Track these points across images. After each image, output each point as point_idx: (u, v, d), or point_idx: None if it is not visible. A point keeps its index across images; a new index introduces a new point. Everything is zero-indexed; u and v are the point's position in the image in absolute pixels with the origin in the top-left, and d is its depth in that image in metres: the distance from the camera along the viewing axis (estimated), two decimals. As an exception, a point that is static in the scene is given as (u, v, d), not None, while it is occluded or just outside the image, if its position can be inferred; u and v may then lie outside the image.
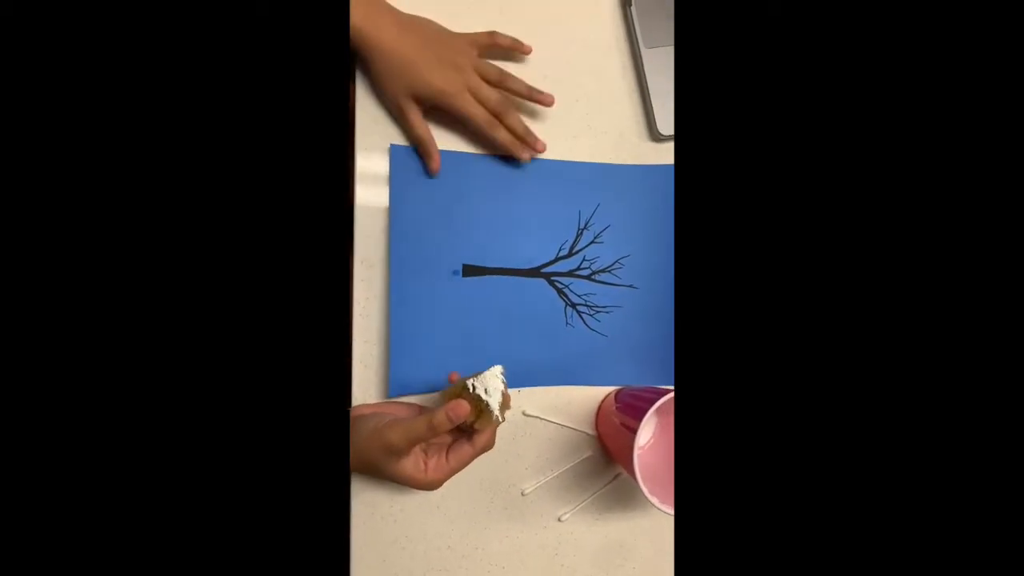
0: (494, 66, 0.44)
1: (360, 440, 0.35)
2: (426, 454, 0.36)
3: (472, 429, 0.36)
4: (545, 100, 0.45)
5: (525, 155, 0.45)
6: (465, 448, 0.36)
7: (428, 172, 0.44)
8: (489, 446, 0.37)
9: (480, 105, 0.43)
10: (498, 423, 0.35)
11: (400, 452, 0.34)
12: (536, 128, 0.46)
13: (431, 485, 0.36)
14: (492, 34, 0.45)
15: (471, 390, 0.34)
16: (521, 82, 0.45)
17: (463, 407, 0.33)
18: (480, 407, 0.35)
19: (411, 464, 0.35)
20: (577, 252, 0.48)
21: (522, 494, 0.46)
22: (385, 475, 0.35)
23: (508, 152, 0.45)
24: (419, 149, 0.44)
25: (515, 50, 0.46)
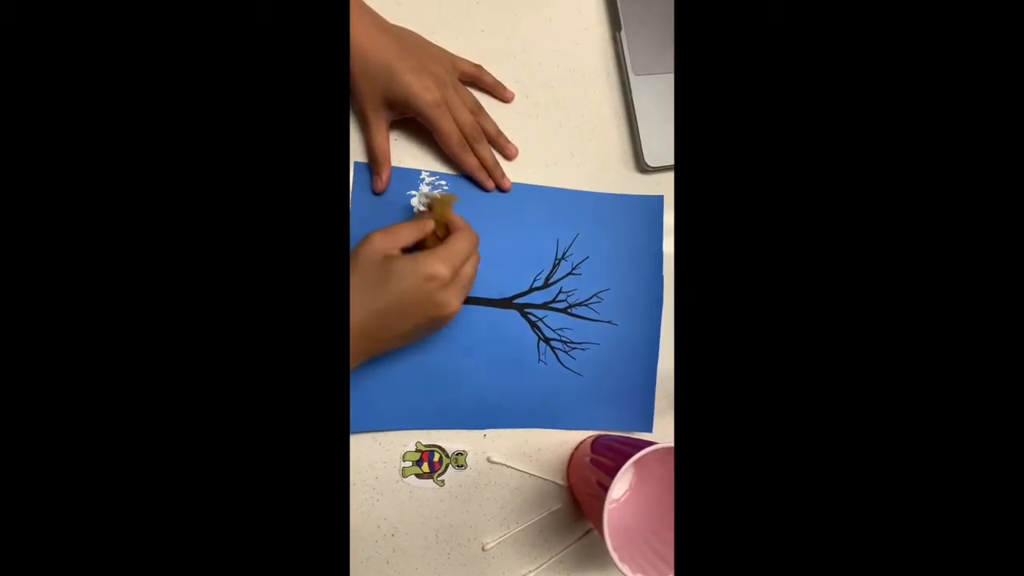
0: (472, 95, 0.42)
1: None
2: None
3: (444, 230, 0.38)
4: (509, 152, 0.44)
5: (490, 184, 0.43)
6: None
7: (372, 189, 0.41)
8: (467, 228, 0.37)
9: (454, 123, 0.40)
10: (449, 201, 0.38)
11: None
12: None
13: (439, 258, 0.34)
14: (479, 67, 0.43)
15: (421, 208, 0.39)
16: (493, 123, 0.43)
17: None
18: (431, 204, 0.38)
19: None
20: (553, 283, 0.44)
21: (483, 549, 0.41)
22: (407, 277, 0.34)
23: (473, 178, 0.42)
24: (371, 162, 0.41)
25: (497, 92, 0.44)
